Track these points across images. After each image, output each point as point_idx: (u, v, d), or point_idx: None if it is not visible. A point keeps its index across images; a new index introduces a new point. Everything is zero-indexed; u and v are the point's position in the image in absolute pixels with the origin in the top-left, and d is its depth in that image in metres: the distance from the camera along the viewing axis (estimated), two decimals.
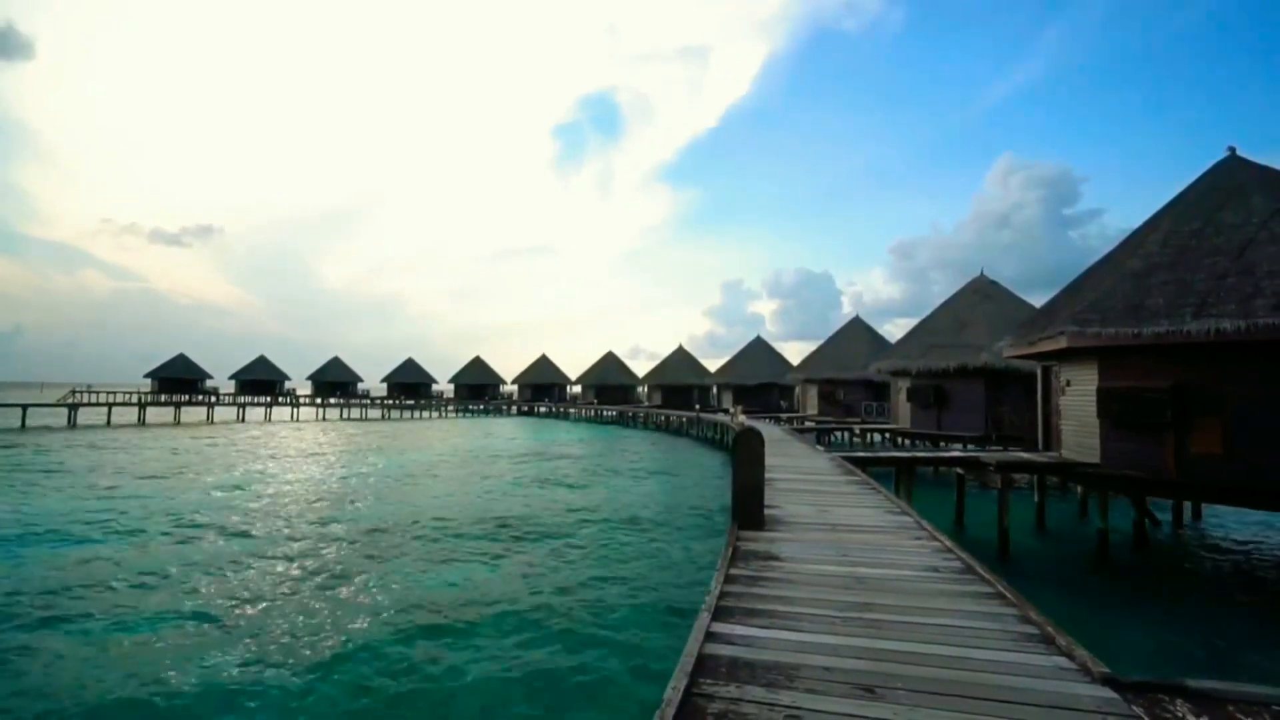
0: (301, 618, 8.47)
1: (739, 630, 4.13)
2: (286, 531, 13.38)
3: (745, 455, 7.40)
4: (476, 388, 73.07)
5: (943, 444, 22.73)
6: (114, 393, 59.07)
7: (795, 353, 59.99)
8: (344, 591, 9.63)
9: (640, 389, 63.77)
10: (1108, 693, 3.30)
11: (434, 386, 76.04)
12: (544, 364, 71.40)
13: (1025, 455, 14.49)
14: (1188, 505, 15.17)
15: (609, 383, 63.82)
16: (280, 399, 64.91)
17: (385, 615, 8.62)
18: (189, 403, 58.36)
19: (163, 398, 61.11)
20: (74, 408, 43.74)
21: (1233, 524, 15.30)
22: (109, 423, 42.92)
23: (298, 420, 52.81)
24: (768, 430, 22.18)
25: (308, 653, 7.38)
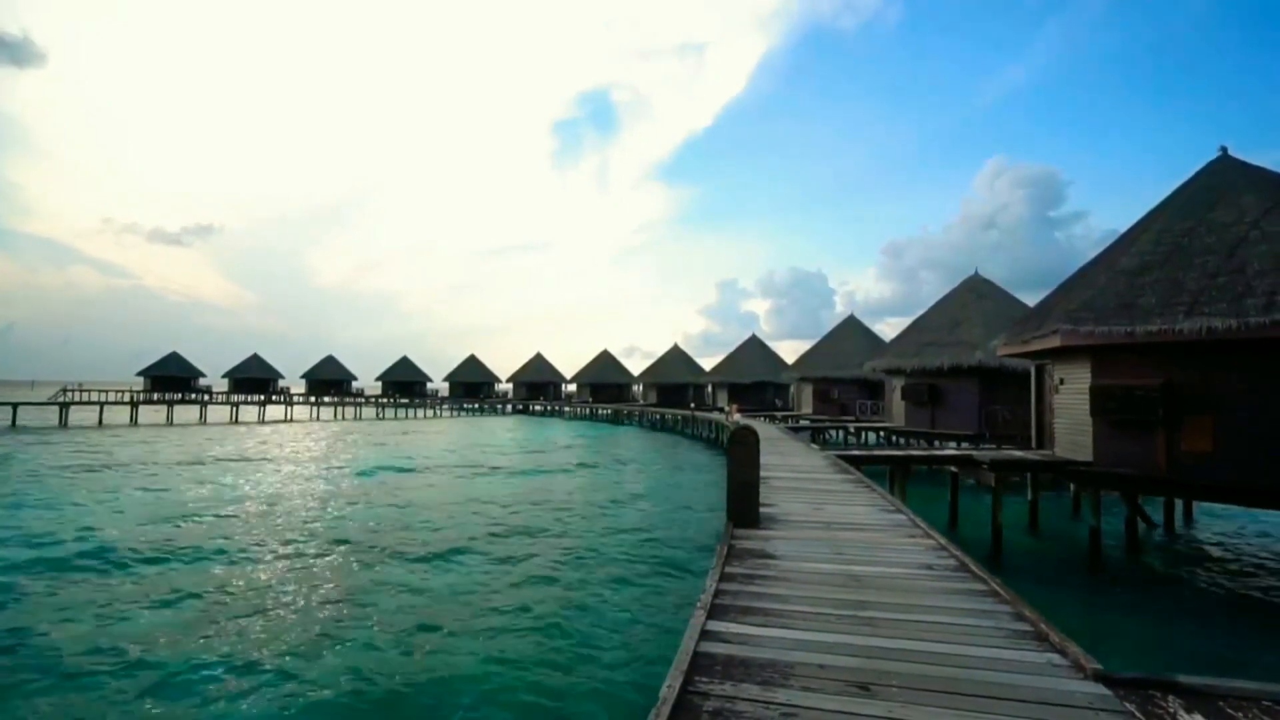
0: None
1: (734, 628, 4.13)
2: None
3: (740, 453, 7.40)
4: (471, 386, 72.82)
5: (937, 442, 22.80)
6: (105, 391, 58.62)
7: (788, 352, 60.16)
8: (322, 596, 9.60)
9: (636, 387, 63.76)
10: (1100, 689, 3.32)
11: (429, 385, 75.71)
12: (539, 362, 71.26)
13: (1018, 453, 14.55)
14: (1179, 503, 15.27)
15: (604, 381, 63.78)
16: (274, 398, 64.61)
17: (377, 616, 8.60)
18: (182, 401, 57.98)
19: (155, 396, 60.73)
20: (65, 407, 43.35)
21: (1223, 522, 15.42)
22: (100, 423, 42.57)
23: (291, 419, 52.55)
24: (763, 429, 22.20)
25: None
